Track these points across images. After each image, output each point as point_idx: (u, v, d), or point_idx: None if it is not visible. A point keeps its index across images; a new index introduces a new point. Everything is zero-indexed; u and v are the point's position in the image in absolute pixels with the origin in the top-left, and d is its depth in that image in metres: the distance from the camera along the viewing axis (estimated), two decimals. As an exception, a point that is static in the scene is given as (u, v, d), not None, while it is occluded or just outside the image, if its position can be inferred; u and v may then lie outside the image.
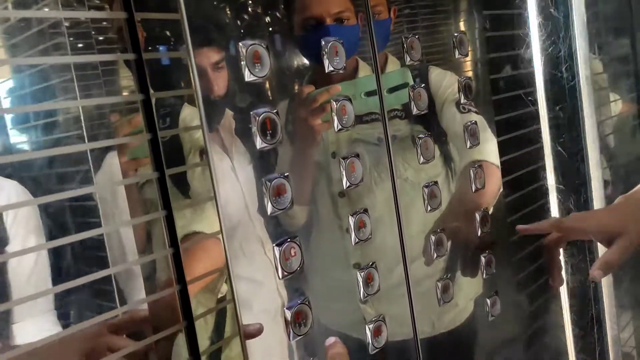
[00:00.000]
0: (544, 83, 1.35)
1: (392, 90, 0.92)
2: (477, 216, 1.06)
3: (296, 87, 0.81)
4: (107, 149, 0.72)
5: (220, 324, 0.74)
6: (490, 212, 1.09)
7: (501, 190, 1.14)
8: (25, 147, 0.76)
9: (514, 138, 1.23)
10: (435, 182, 0.98)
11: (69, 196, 0.66)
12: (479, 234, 1.06)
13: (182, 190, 0.73)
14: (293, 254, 0.74)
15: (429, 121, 0.98)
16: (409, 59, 0.95)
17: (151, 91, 0.70)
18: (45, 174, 0.73)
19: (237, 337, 0.72)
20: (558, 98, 1.39)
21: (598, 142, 1.44)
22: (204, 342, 0.73)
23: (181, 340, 0.74)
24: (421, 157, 0.95)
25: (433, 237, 0.97)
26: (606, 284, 1.50)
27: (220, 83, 0.72)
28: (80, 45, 0.71)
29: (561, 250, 1.16)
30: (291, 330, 0.74)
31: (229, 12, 0.77)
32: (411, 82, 0.95)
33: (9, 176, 0.74)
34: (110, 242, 0.78)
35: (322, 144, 0.84)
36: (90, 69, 0.70)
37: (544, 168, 1.36)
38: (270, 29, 0.79)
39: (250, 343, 0.72)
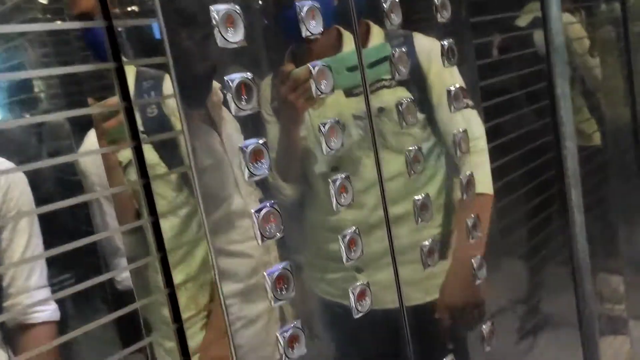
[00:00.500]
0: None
1: (373, 64, 0.91)
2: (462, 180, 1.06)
3: (274, 55, 0.80)
4: (88, 127, 0.72)
5: (201, 291, 0.74)
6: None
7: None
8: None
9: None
10: (419, 148, 0.98)
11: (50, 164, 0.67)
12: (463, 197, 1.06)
13: (162, 160, 0.73)
14: (272, 219, 0.74)
15: (413, 86, 0.98)
16: (389, 23, 0.94)
17: (123, 59, 0.69)
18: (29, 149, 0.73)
19: (219, 303, 0.72)
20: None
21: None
22: (186, 309, 0.74)
23: (165, 308, 0.74)
24: (404, 122, 0.95)
25: (418, 202, 0.97)
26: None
27: (193, 49, 0.71)
28: (49, 16, 0.71)
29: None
30: (273, 295, 0.74)
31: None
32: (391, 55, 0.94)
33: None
34: (93, 211, 0.78)
35: (307, 120, 0.83)
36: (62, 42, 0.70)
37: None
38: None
39: (232, 310, 0.73)
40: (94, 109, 0.70)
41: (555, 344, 1.57)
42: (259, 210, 0.73)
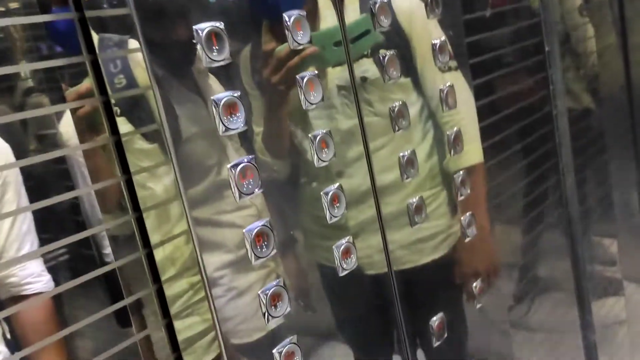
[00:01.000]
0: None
1: (356, 39, 0.89)
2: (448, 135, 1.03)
3: (250, 31, 0.76)
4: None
5: (179, 253, 0.72)
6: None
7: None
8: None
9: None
10: (404, 103, 0.95)
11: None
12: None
13: (131, 118, 0.70)
14: (250, 174, 0.72)
15: (397, 50, 0.94)
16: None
17: (86, 12, 0.66)
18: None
19: (196, 266, 0.70)
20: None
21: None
22: (164, 271, 0.72)
23: (145, 272, 0.73)
24: (387, 76, 0.92)
25: (403, 159, 0.95)
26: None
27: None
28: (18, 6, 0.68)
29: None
30: (253, 253, 0.72)
31: None
32: (372, 28, 0.91)
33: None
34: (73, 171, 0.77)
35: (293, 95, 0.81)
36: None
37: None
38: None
39: (223, 281, 0.71)
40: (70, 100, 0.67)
41: (551, 306, 1.57)
42: (235, 166, 0.71)
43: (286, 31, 0.77)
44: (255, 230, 0.72)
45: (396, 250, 0.96)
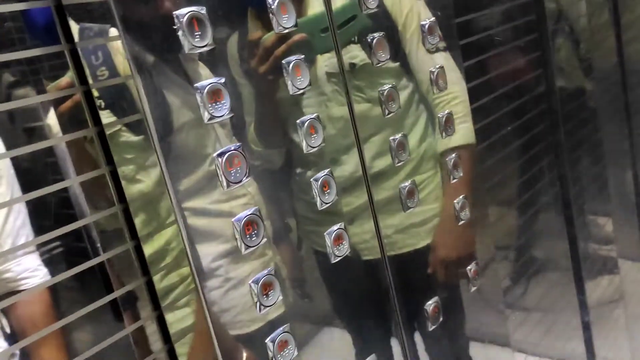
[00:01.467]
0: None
1: (342, 24, 0.87)
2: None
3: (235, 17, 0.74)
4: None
5: (172, 245, 0.71)
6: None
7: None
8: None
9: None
10: (393, 86, 0.93)
11: None
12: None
13: (114, 110, 0.68)
14: (237, 162, 0.70)
15: (382, 19, 0.93)
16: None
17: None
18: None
19: (185, 256, 0.69)
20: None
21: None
22: (154, 263, 0.71)
23: (134, 262, 0.72)
24: (375, 59, 0.90)
25: (394, 142, 0.93)
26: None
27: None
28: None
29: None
30: (243, 242, 0.71)
31: None
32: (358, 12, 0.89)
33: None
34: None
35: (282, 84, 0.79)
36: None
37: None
38: None
39: (220, 272, 0.70)
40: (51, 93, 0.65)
41: (547, 286, 1.57)
42: (221, 154, 0.69)
43: (271, 15, 0.75)
44: (245, 219, 0.71)
45: (392, 235, 0.95)
